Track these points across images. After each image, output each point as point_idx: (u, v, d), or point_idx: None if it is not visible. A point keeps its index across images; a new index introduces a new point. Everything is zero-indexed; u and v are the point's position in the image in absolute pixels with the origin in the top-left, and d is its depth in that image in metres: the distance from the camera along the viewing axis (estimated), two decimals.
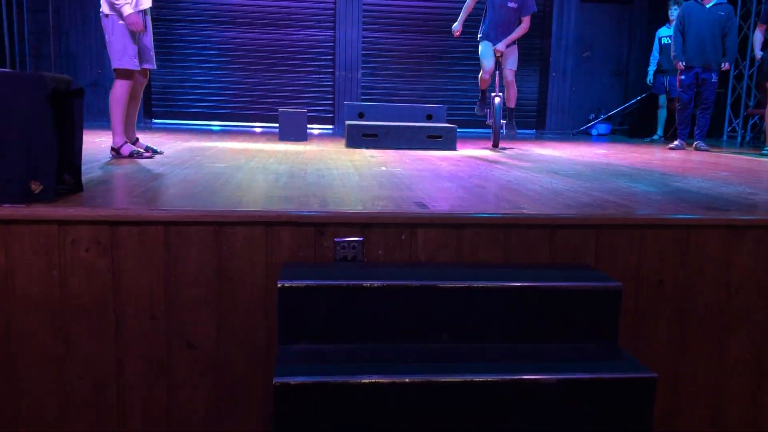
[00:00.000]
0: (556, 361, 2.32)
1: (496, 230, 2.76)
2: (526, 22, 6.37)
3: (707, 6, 7.02)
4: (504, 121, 6.68)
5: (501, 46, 6.35)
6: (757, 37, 6.89)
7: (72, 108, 2.91)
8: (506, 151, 6.32)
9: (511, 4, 6.34)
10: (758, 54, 7.05)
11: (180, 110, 9.78)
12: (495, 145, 6.51)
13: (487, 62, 6.43)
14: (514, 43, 6.44)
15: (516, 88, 6.60)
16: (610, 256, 2.79)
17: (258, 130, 9.15)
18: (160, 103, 9.51)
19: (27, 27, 8.24)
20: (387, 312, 2.44)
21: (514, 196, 3.36)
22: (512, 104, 6.61)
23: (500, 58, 6.42)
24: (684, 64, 7.15)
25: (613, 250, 2.79)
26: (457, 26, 6.63)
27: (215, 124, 9.74)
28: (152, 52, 4.66)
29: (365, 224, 2.69)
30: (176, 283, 2.62)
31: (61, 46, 8.19)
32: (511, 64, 6.44)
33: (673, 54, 7.29)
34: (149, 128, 8.32)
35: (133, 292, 2.60)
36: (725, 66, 7.13)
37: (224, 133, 8.29)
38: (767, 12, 6.65)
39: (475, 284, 2.48)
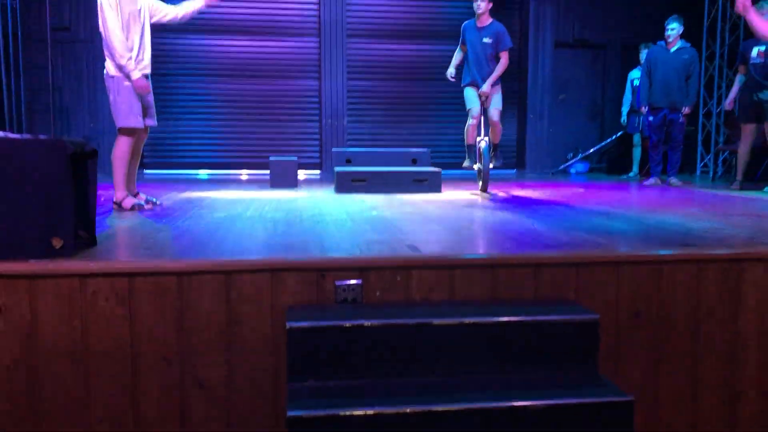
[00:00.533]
0: (542, 388, 2.54)
1: (484, 270, 2.99)
2: (504, 57, 6.40)
3: (672, 50, 7.44)
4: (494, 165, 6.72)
5: (486, 87, 6.40)
6: (738, 79, 7.18)
7: (86, 168, 3.14)
8: (489, 193, 6.60)
9: (486, 40, 6.41)
10: (731, 97, 7.28)
11: (171, 160, 10.02)
12: (484, 190, 6.50)
13: (474, 108, 6.50)
14: (497, 82, 6.50)
15: (501, 126, 6.62)
16: (590, 291, 3.02)
17: (245, 177, 9.39)
18: (151, 154, 9.74)
19: (23, 83, 8.48)
20: (386, 348, 2.66)
21: (499, 237, 3.61)
22: (497, 140, 6.67)
23: (485, 101, 6.50)
24: (647, 108, 7.54)
25: (593, 285, 3.03)
26: (452, 72, 6.79)
27: (204, 173, 9.98)
28: (153, 109, 4.91)
29: (363, 268, 2.91)
30: (188, 328, 2.82)
31: (54, 100, 8.43)
32: (496, 103, 6.49)
33: (638, 97, 7.70)
34: (141, 178, 8.52)
35: (149, 338, 2.79)
36: (686, 110, 7.46)
37: (214, 181, 8.52)
38: (743, 54, 6.99)
39: (466, 320, 2.71)
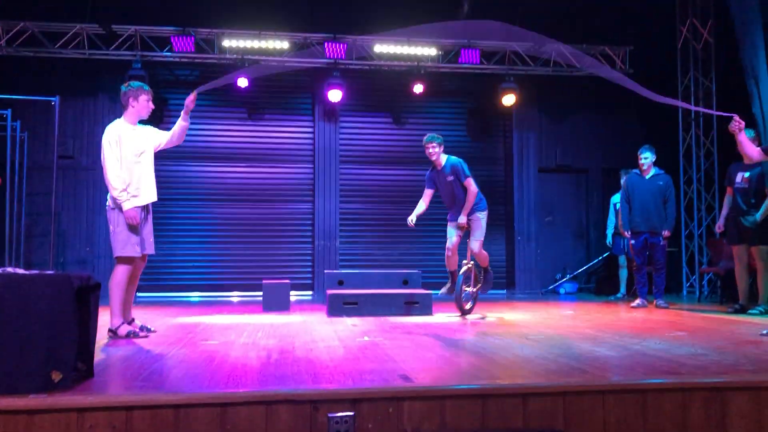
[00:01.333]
0: None
1: (474, 400, 3.05)
2: (468, 185, 6.50)
3: (647, 177, 7.80)
4: (475, 288, 6.76)
5: (461, 219, 6.54)
6: (727, 200, 7.35)
7: (89, 301, 3.25)
8: (480, 316, 6.69)
9: (449, 178, 6.58)
10: (721, 220, 7.41)
11: (164, 283, 10.13)
12: (462, 314, 6.60)
13: (449, 241, 6.69)
14: (473, 213, 6.55)
15: (486, 253, 6.67)
16: (577, 421, 3.08)
17: (236, 299, 9.47)
18: (144, 277, 9.82)
19: (24, 209, 8.72)
20: None
21: (489, 365, 3.68)
22: (484, 264, 6.74)
23: (464, 231, 6.63)
24: (630, 232, 7.81)
25: (580, 415, 3.08)
26: (413, 219, 6.71)
27: (195, 296, 10.06)
28: (152, 238, 5.09)
29: (355, 399, 2.97)
30: None
31: (52, 225, 8.64)
32: (475, 236, 6.58)
33: (619, 223, 7.98)
34: (134, 302, 8.58)
35: None
36: (665, 233, 7.74)
37: (207, 304, 8.60)
38: (730, 176, 7.27)
39: None
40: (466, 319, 6.44)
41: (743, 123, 5.38)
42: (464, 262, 6.73)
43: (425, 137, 6.69)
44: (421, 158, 10.97)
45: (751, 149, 5.52)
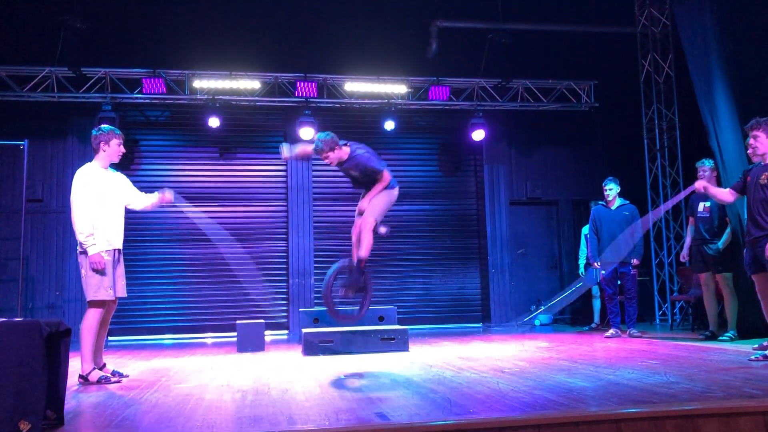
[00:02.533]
0: None
1: None
2: (380, 177, 5.58)
3: (613, 208, 7.96)
4: (345, 285, 5.52)
5: (362, 203, 5.66)
6: (690, 230, 7.42)
7: (59, 347, 3.21)
8: (457, 351, 6.69)
9: (353, 173, 5.73)
10: (685, 250, 7.47)
11: (135, 326, 9.97)
12: (330, 313, 5.56)
13: (355, 221, 5.77)
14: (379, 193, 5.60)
15: (369, 238, 5.49)
16: None
17: (210, 341, 9.35)
18: (116, 321, 9.67)
19: None
20: None
21: (464, 400, 3.69)
22: (362, 253, 5.52)
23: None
24: (599, 263, 7.92)
25: None
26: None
27: (168, 338, 9.90)
28: (124, 281, 5.05)
29: None
30: None
31: (20, 270, 8.51)
32: (370, 211, 5.53)
33: (588, 254, 8.10)
34: (105, 346, 8.43)
35: None
36: (634, 262, 7.87)
37: (180, 346, 8.47)
38: (692, 206, 7.37)
39: None
40: (445, 354, 6.42)
41: (703, 181, 5.75)
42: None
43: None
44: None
45: (723, 195, 5.79)
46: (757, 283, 5.49)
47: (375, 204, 5.54)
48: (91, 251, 4.76)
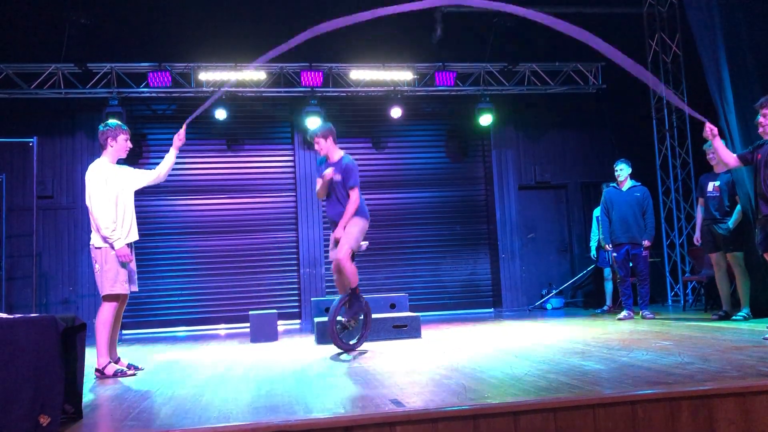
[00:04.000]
0: None
1: (466, 421, 3.06)
2: (352, 194, 5.52)
3: (624, 189, 7.91)
4: (347, 320, 5.56)
5: (338, 232, 5.56)
6: (700, 210, 7.38)
7: (75, 342, 3.23)
8: (469, 336, 6.70)
9: (336, 178, 5.57)
10: (697, 232, 7.42)
11: (149, 319, 10.04)
12: (339, 348, 5.56)
13: (330, 252, 5.72)
14: (353, 217, 5.56)
15: (352, 268, 5.51)
16: None
17: (223, 333, 9.40)
18: (129, 314, 9.76)
19: (5, 251, 8.65)
20: None
21: (479, 385, 3.70)
22: (352, 284, 5.54)
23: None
24: (611, 245, 7.89)
25: (571, 430, 3.10)
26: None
27: (182, 330, 9.97)
28: (135, 275, 5.08)
29: (348, 427, 2.97)
30: None
31: (33, 267, 8.57)
32: (344, 241, 5.46)
33: (601, 236, 8.06)
34: (120, 340, 8.51)
35: None
36: (646, 243, 7.83)
37: (193, 338, 8.53)
38: (702, 187, 7.35)
39: None
40: (457, 337, 6.44)
41: (716, 129, 5.53)
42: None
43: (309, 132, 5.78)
44: (402, 181, 11.11)
45: (727, 155, 5.65)
46: None
47: (349, 233, 5.51)
48: (117, 245, 4.80)
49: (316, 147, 5.70)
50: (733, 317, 6.89)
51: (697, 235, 7.40)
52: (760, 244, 5.49)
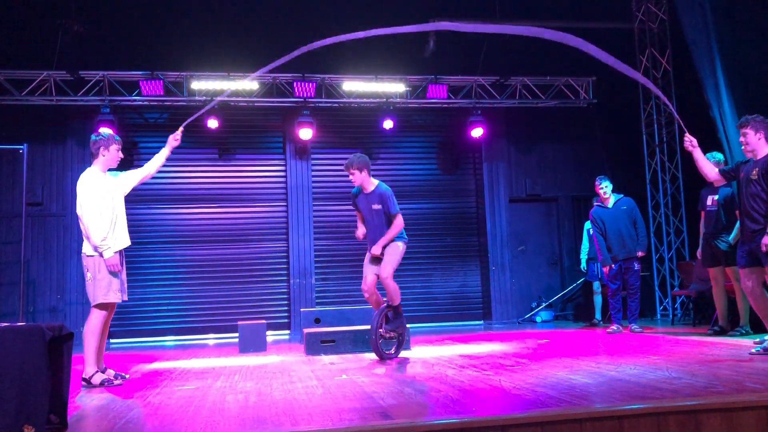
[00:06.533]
0: None
1: None
2: (397, 219, 5.92)
3: (609, 206, 7.91)
4: (387, 332, 5.92)
5: (376, 248, 5.91)
6: (702, 225, 7.27)
7: (62, 351, 3.21)
8: (459, 349, 6.70)
9: (375, 207, 5.98)
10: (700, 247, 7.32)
11: (137, 328, 9.98)
12: (381, 359, 5.93)
13: (365, 274, 6.09)
14: (392, 242, 5.96)
15: (395, 286, 5.91)
16: None
17: (212, 342, 9.35)
18: (118, 324, 9.70)
19: None
20: None
21: (467, 398, 3.69)
22: (394, 302, 5.95)
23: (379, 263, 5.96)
24: (611, 265, 7.83)
25: None
26: (361, 232, 6.22)
27: (170, 340, 9.92)
28: (126, 285, 5.06)
29: None
30: None
31: (21, 274, 8.52)
32: (388, 267, 5.87)
33: (600, 259, 7.99)
34: (108, 349, 8.44)
35: None
36: (639, 253, 7.85)
37: (181, 348, 8.48)
38: (702, 200, 7.23)
39: None
40: (448, 352, 6.43)
41: (695, 140, 5.55)
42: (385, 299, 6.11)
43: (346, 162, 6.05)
44: (393, 193, 11.09)
45: (708, 169, 5.66)
46: (753, 277, 5.38)
47: (391, 257, 5.92)
48: (106, 254, 4.79)
49: (351, 178, 6.05)
50: (730, 333, 6.85)
51: (700, 249, 7.32)
52: (741, 258, 5.51)
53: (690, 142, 5.56)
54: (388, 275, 5.85)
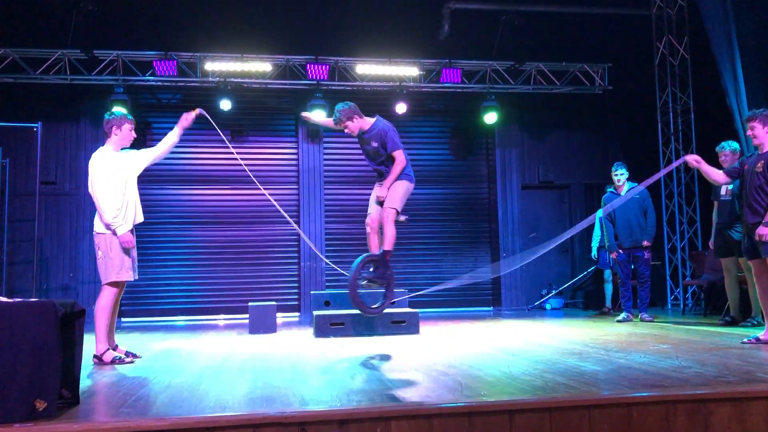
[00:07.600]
0: None
1: (461, 418, 3.06)
2: (397, 156, 5.50)
3: (623, 193, 7.86)
4: (371, 280, 5.49)
5: (382, 191, 5.53)
6: (715, 214, 7.22)
7: (74, 328, 3.24)
8: (465, 334, 6.70)
9: (373, 144, 5.61)
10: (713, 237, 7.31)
11: (148, 308, 10.05)
12: (362, 312, 5.55)
13: (369, 210, 5.72)
14: (397, 181, 5.52)
15: (393, 231, 5.48)
16: None
17: (222, 323, 9.41)
18: (128, 302, 9.78)
19: (6, 236, 8.67)
20: None
21: (475, 382, 3.70)
22: (387, 246, 5.47)
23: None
24: (618, 251, 7.83)
25: (566, 430, 3.10)
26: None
27: (181, 320, 9.99)
28: (136, 263, 5.09)
29: (343, 420, 2.97)
30: None
31: (34, 252, 8.58)
32: (389, 202, 5.44)
33: (607, 245, 8.01)
34: (119, 328, 8.51)
35: None
36: (645, 243, 7.81)
37: (192, 328, 8.54)
38: (715, 191, 7.17)
39: None
40: (453, 335, 6.43)
41: (699, 157, 5.76)
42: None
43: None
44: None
45: (715, 175, 5.86)
46: (754, 268, 5.54)
47: (394, 193, 5.46)
48: (119, 231, 4.81)
49: (347, 131, 5.67)
50: (742, 323, 6.80)
51: (713, 238, 7.28)
52: (746, 251, 5.55)
53: (694, 160, 5.80)
54: (387, 215, 5.39)
